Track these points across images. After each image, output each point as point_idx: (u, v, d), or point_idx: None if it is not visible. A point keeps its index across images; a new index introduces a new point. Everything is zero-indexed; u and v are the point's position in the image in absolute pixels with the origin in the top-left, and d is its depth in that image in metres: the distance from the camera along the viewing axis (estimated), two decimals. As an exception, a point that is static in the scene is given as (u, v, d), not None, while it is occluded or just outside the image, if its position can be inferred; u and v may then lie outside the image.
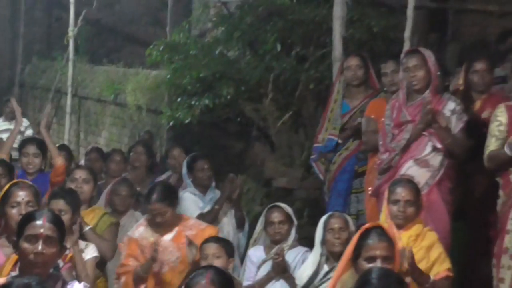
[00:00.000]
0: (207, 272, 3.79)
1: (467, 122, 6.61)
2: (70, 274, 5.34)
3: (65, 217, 5.81)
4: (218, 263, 5.62)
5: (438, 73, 6.65)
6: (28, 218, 4.33)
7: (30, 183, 5.76)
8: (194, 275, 3.81)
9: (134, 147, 8.79)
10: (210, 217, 7.22)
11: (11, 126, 10.07)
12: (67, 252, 5.28)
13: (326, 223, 6.07)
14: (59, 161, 7.12)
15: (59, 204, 5.93)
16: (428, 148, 6.53)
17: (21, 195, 5.43)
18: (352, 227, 6.10)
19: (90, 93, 12.62)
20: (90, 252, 5.94)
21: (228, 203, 7.46)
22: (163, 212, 6.26)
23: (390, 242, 4.56)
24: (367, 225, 4.74)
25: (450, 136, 6.49)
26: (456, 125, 6.56)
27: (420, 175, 6.45)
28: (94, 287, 5.97)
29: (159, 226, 6.31)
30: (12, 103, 9.06)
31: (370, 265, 4.40)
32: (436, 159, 6.52)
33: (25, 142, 7.77)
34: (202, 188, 7.59)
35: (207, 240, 5.89)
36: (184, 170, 7.68)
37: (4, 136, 9.80)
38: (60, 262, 4.92)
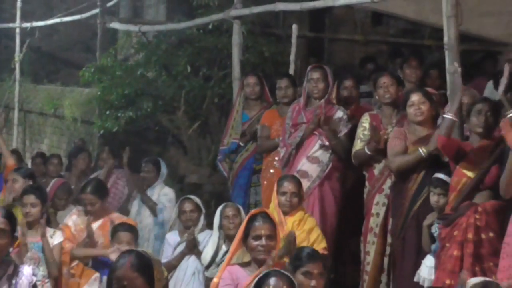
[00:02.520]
0: (129, 256, 3.50)
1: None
2: (18, 257, 5.26)
3: (36, 209, 5.78)
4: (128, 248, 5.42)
5: None
6: None
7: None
8: (117, 259, 3.58)
9: (79, 153, 8.64)
10: None
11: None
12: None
13: (222, 212, 6.04)
14: (10, 161, 6.99)
15: (31, 199, 5.81)
16: (317, 146, 6.59)
17: None
18: (243, 214, 6.07)
19: (34, 108, 12.37)
20: (57, 238, 5.82)
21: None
22: (93, 202, 6.13)
23: (272, 223, 4.58)
24: (254, 211, 4.76)
25: (336, 137, 6.58)
26: (342, 130, 6.64)
27: (312, 170, 6.54)
28: (59, 268, 5.80)
29: (89, 215, 6.17)
30: None
31: (257, 242, 4.49)
32: (325, 156, 6.57)
33: None
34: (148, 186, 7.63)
35: (121, 229, 5.68)
36: None
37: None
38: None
